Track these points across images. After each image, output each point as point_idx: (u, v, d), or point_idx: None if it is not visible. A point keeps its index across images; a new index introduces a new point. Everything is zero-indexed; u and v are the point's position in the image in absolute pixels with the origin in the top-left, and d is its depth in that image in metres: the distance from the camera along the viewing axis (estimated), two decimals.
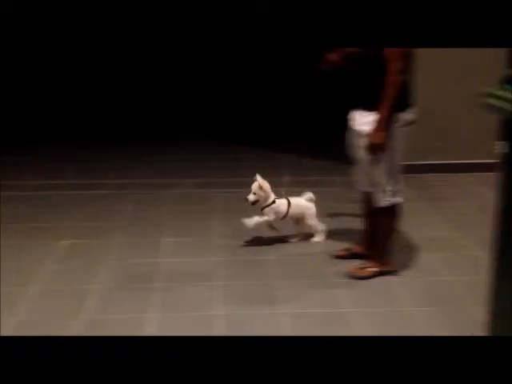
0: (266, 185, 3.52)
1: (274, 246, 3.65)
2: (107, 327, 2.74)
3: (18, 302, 2.96)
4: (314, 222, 3.67)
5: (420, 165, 4.78)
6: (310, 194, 3.67)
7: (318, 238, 3.70)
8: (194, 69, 7.64)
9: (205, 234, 3.83)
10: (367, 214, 3.27)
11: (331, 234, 3.71)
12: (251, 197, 3.50)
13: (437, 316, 2.82)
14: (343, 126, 3.17)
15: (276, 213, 3.58)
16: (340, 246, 3.50)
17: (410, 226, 3.60)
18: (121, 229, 3.93)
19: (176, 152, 5.74)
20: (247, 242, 3.66)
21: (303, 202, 3.66)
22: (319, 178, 4.73)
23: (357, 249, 3.38)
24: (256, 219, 3.53)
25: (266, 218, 3.56)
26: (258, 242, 3.67)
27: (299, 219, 3.68)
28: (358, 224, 3.46)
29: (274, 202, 3.56)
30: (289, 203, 3.60)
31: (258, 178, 3.51)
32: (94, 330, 2.70)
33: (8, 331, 2.64)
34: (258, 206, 3.55)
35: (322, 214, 3.75)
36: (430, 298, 3.00)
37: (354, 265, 3.25)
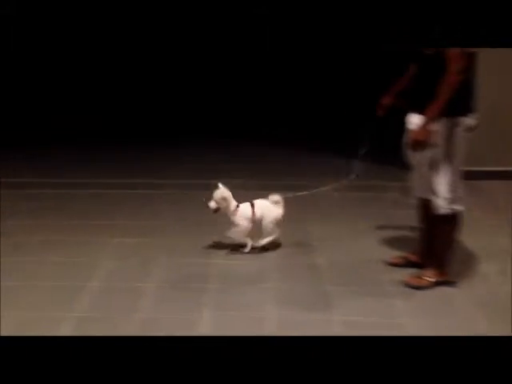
0: (228, 193, 3.51)
1: (324, 249, 3.61)
2: (161, 326, 2.76)
3: (79, 298, 3.03)
4: (270, 225, 3.56)
5: (479, 171, 4.63)
6: (276, 197, 3.59)
7: (263, 242, 3.57)
8: (216, 68, 7.65)
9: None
10: (424, 222, 3.18)
11: (385, 241, 3.64)
12: (212, 204, 3.50)
13: (499, 328, 2.69)
14: (400, 129, 3.10)
15: (246, 218, 3.54)
16: (394, 253, 3.42)
17: (467, 235, 3.46)
18: (166, 228, 3.97)
19: (212, 152, 5.77)
20: (295, 244, 3.64)
21: (266, 204, 3.59)
22: (373, 182, 4.64)
23: (412, 257, 3.30)
24: (249, 244, 3.56)
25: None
26: (307, 244, 3.65)
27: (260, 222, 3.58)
28: (413, 231, 3.38)
29: (237, 207, 3.54)
30: (252, 206, 3.57)
31: (220, 186, 3.51)
32: (147, 328, 2.73)
33: (68, 328, 2.71)
34: (223, 214, 3.53)
35: (376, 219, 3.67)
36: (491, 310, 2.88)
37: (409, 273, 3.17)
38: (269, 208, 3.58)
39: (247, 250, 3.59)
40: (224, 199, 3.51)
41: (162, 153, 5.81)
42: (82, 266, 3.40)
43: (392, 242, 3.61)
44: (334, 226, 3.98)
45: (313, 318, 2.84)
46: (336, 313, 2.87)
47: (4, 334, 2.58)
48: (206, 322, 2.79)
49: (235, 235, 3.59)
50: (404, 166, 3.19)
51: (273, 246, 3.61)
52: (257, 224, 3.57)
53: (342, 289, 3.12)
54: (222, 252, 3.59)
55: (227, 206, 3.53)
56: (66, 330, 2.68)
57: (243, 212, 3.55)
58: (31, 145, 5.92)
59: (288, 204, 3.61)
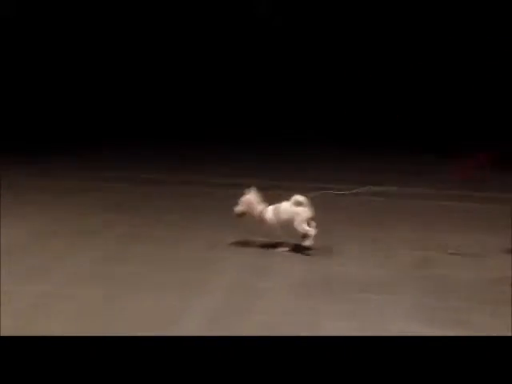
0: (253, 198, 3.65)
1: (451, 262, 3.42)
2: (279, 328, 2.63)
3: (209, 291, 3.06)
4: (299, 226, 3.55)
5: None
6: (299, 198, 3.59)
7: (307, 243, 3.56)
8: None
9: (387, 243, 3.72)
10: None
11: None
12: (238, 208, 3.66)
13: None
14: None
15: (271, 221, 3.64)
16: None
17: None
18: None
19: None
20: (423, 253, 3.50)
21: (290, 206, 3.61)
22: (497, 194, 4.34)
23: None
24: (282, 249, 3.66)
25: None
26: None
27: (288, 225, 3.60)
28: None
29: (262, 211, 3.63)
30: (276, 209, 3.63)
31: (252, 192, 3.65)
32: (265, 330, 2.61)
33: (195, 326, 2.67)
34: (248, 218, 3.66)
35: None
36: None
37: None
38: (293, 210, 3.60)
39: (282, 250, 3.67)
40: (249, 204, 3.66)
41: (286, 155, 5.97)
42: (208, 262, 3.48)
43: None
44: (461, 237, 3.79)
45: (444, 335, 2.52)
46: (468, 332, 2.55)
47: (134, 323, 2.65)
48: (325, 330, 2.60)
49: (269, 236, 3.70)
50: None
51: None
52: (284, 226, 3.62)
53: (472, 305, 2.86)
54: (354, 259, 3.51)
55: (253, 211, 3.66)
56: (189, 325, 2.66)
57: (268, 215, 3.66)
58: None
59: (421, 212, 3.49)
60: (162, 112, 7.95)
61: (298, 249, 3.64)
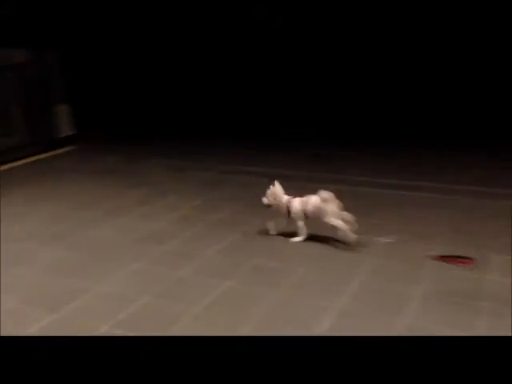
0: (278, 191, 3.87)
1: None
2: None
3: (341, 292, 3.09)
4: (332, 220, 3.67)
5: None
6: (325, 193, 3.67)
7: (340, 236, 3.70)
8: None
9: None
10: None
11: None
12: (264, 200, 3.91)
13: None
14: None
15: (296, 214, 3.81)
16: None
17: None
18: (441, 236, 3.82)
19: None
20: None
21: (316, 201, 3.71)
22: None
23: None
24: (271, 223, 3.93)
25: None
26: None
27: (316, 218, 3.73)
28: None
29: (288, 204, 3.83)
30: (302, 202, 3.78)
31: (276, 184, 3.88)
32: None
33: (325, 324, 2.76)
34: (275, 210, 3.89)
35: None
36: None
37: None
38: (320, 204, 3.70)
39: (297, 239, 3.85)
40: (274, 196, 3.86)
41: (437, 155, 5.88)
42: (347, 261, 3.50)
43: None
44: None
45: None
46: None
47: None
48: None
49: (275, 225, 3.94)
50: None
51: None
52: (311, 219, 3.77)
53: None
54: (502, 269, 3.26)
55: (278, 203, 3.86)
56: (323, 324, 2.74)
57: (293, 208, 3.82)
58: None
59: None
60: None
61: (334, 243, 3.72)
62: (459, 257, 3.39)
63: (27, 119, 7.19)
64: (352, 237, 3.65)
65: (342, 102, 7.84)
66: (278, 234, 3.96)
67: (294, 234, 3.89)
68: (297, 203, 3.82)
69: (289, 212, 3.85)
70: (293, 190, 3.95)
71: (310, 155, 6.28)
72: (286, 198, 3.88)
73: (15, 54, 7.02)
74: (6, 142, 6.88)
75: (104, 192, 5.36)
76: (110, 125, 8.29)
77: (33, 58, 7.24)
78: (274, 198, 3.89)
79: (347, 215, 3.65)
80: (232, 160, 6.28)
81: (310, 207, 3.74)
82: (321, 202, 3.67)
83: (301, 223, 3.84)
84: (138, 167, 6.26)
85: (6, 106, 7.02)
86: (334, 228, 3.67)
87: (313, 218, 3.75)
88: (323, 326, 2.73)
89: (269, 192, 3.91)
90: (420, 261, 3.43)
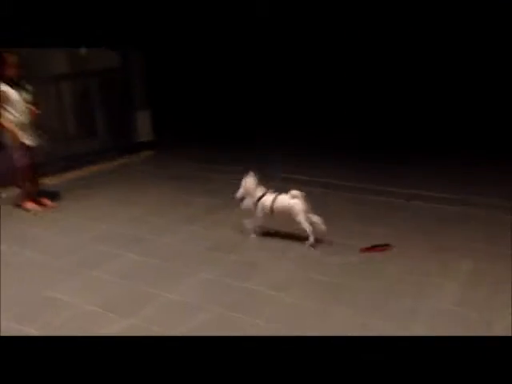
0: (252, 184, 3.88)
1: None
2: None
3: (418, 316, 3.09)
4: (297, 218, 3.77)
5: None
6: (294, 191, 3.80)
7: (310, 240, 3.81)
8: None
9: None
10: None
11: None
12: (239, 193, 3.94)
13: None
14: None
15: (263, 208, 3.86)
16: None
17: None
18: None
19: None
20: None
21: (286, 199, 3.78)
22: None
23: None
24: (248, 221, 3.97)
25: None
26: None
27: (286, 217, 3.81)
28: None
29: (260, 198, 3.86)
30: (273, 200, 3.84)
31: (249, 176, 3.90)
32: None
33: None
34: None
35: None
36: None
37: None
38: (289, 202, 3.80)
39: (254, 235, 4.00)
40: (248, 188, 3.90)
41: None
42: (432, 285, 3.45)
43: None
44: None
45: None
46: None
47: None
48: None
49: (251, 224, 4.01)
50: None
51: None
52: (278, 216, 3.86)
53: None
54: None
55: (251, 196, 3.91)
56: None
57: (263, 204, 3.89)
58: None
59: None
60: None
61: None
62: (378, 245, 3.83)
63: (110, 123, 7.44)
64: (312, 238, 3.82)
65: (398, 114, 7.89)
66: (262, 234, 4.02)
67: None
68: (268, 199, 3.88)
69: (272, 209, 3.88)
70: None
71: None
72: (260, 192, 3.92)
73: (105, 56, 7.29)
74: (88, 145, 7.15)
75: (179, 198, 5.51)
76: (186, 130, 8.48)
77: (122, 62, 7.50)
78: (247, 191, 3.93)
79: (315, 217, 3.80)
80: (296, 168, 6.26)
81: (278, 204, 3.82)
82: (290, 200, 3.79)
83: (259, 215, 3.93)
84: (211, 174, 6.36)
85: (92, 110, 7.28)
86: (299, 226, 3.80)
87: (280, 216, 3.84)
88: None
89: (242, 184, 3.96)
90: None
